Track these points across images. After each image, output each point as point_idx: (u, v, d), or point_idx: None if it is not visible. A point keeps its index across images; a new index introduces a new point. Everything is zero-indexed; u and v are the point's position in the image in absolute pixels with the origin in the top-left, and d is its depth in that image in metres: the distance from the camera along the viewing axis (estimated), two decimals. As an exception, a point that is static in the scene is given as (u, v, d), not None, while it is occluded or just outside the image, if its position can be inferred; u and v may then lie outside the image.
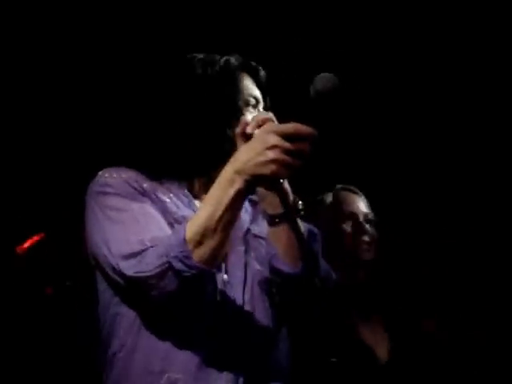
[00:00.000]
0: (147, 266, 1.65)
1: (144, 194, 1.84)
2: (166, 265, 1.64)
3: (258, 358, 1.82)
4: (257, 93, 1.97)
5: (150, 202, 1.83)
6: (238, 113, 1.90)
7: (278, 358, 1.87)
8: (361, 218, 2.66)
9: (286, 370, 1.90)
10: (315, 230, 1.89)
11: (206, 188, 1.86)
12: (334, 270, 1.96)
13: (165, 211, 1.82)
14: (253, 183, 1.66)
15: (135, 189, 1.84)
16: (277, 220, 1.80)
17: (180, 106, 1.94)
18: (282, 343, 1.90)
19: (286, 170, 1.62)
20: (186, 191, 1.92)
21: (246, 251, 1.89)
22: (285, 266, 1.80)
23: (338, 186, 2.74)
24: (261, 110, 1.95)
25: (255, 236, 1.91)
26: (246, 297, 1.84)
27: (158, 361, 1.73)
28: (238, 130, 1.77)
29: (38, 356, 3.56)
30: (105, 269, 1.75)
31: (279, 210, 1.79)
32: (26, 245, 3.73)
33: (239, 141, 1.76)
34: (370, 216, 2.69)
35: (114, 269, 1.71)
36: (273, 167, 1.62)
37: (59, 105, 3.71)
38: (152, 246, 1.68)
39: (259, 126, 1.73)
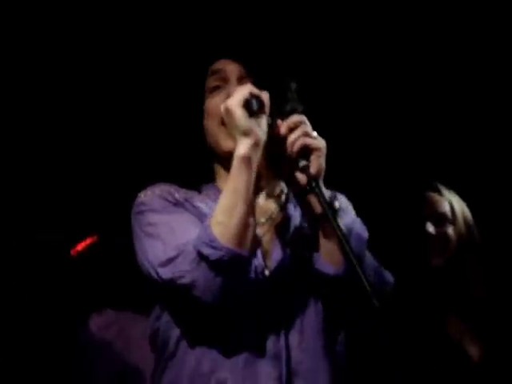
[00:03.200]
0: (183, 265, 1.69)
1: (177, 204, 1.88)
2: (198, 256, 1.67)
3: (301, 352, 1.80)
4: (221, 66, 1.95)
5: (184, 210, 1.87)
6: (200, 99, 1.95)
7: (331, 357, 1.84)
8: (429, 226, 2.68)
9: (343, 371, 1.87)
10: (362, 230, 1.84)
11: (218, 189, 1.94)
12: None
13: (200, 215, 1.85)
14: (251, 141, 1.72)
15: (169, 201, 1.88)
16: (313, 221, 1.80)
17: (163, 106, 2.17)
18: (337, 345, 1.88)
19: None
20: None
21: (294, 245, 1.86)
22: (325, 267, 1.78)
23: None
24: (232, 84, 1.93)
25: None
26: (295, 286, 1.83)
27: (207, 362, 1.76)
28: (271, 132, 1.78)
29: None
30: (151, 281, 1.79)
31: (317, 210, 1.78)
32: (80, 247, 3.68)
33: (273, 145, 1.79)
34: (448, 215, 2.69)
35: (155, 279, 1.76)
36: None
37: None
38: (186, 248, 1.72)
39: (291, 130, 1.76)
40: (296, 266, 1.85)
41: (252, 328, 1.78)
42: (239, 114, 1.73)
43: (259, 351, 1.76)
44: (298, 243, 1.88)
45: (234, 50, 1.99)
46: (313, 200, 1.78)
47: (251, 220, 1.73)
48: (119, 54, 3.47)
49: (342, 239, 1.63)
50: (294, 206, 1.95)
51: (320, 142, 1.77)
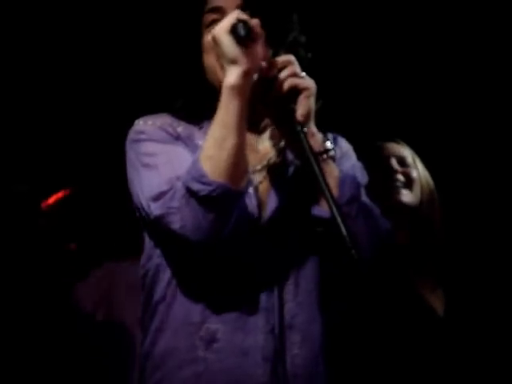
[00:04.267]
0: (173, 201, 1.64)
1: (178, 138, 1.84)
2: (187, 192, 1.62)
3: (297, 305, 1.77)
4: (217, 2, 1.89)
5: (183, 145, 1.83)
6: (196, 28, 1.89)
7: (326, 311, 1.83)
8: (394, 161, 2.66)
9: (325, 319, 1.84)
10: (352, 173, 1.81)
11: None
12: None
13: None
14: (240, 70, 1.65)
15: (170, 134, 1.84)
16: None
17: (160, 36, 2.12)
18: (333, 299, 1.86)
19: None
20: None
21: (292, 192, 1.82)
22: (319, 210, 1.73)
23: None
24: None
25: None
26: (291, 237, 1.79)
27: (197, 312, 1.73)
28: (257, 75, 1.71)
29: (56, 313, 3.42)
30: (142, 215, 1.75)
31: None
32: (51, 200, 3.62)
33: (260, 86, 1.72)
34: (409, 159, 2.68)
35: (146, 212, 1.71)
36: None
37: (81, 55, 3.64)
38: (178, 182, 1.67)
39: (280, 70, 1.70)
40: (293, 216, 1.81)
41: (245, 279, 1.74)
42: (225, 40, 1.66)
43: (252, 304, 1.74)
44: (296, 190, 1.83)
45: None
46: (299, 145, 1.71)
47: (243, 154, 1.68)
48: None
49: (323, 185, 1.57)
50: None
51: (309, 82, 1.72)
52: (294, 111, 1.68)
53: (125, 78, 3.63)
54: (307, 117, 1.69)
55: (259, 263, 1.75)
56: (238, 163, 1.66)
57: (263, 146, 1.91)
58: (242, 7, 1.81)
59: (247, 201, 1.76)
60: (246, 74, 1.67)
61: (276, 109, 1.74)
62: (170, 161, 1.76)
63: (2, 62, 3.53)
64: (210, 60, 1.86)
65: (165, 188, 1.69)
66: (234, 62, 1.66)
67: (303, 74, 1.73)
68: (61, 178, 3.73)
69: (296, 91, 1.69)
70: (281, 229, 1.79)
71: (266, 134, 1.93)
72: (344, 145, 1.99)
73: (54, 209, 3.57)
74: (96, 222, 3.43)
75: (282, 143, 1.90)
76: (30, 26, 3.50)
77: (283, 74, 1.70)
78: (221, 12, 1.87)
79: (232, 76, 1.66)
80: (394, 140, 2.77)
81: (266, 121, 1.91)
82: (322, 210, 1.72)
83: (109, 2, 3.45)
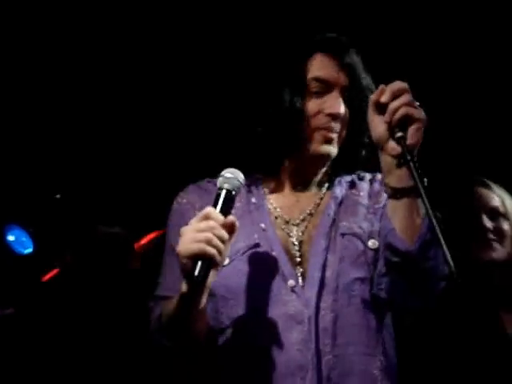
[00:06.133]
0: (151, 320, 1.88)
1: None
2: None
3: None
4: (328, 76, 1.89)
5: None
6: (298, 92, 1.88)
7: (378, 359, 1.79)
8: (485, 218, 2.62)
9: (393, 368, 1.82)
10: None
11: (276, 188, 1.96)
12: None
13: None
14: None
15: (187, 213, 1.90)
16: (399, 195, 1.72)
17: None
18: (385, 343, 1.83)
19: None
20: (261, 188, 1.97)
21: (328, 249, 1.84)
22: (401, 242, 1.71)
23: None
24: (334, 94, 1.89)
25: (344, 234, 1.85)
26: (324, 300, 1.78)
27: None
28: (373, 97, 1.72)
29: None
30: None
31: (404, 184, 1.70)
32: (144, 241, 3.72)
33: (371, 109, 1.73)
34: (501, 209, 2.63)
35: None
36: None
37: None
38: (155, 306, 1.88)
39: (395, 97, 1.68)
40: (333, 270, 1.83)
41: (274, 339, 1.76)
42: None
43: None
44: (341, 244, 1.85)
45: (333, 44, 1.93)
46: (399, 173, 1.72)
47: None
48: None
49: (431, 214, 1.56)
50: (329, 206, 1.93)
51: (422, 113, 1.69)
52: (404, 139, 1.67)
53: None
54: (415, 147, 1.68)
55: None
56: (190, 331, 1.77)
57: (302, 198, 1.96)
58: (346, 89, 1.89)
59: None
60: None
61: (381, 134, 1.73)
62: (165, 264, 1.93)
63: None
64: (304, 125, 1.91)
65: (151, 304, 1.91)
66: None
67: (417, 103, 1.71)
68: (153, 219, 3.81)
69: (408, 120, 1.68)
70: (317, 289, 1.80)
71: (310, 186, 1.98)
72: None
73: (146, 249, 3.66)
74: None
75: (323, 191, 1.97)
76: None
77: (398, 102, 1.68)
78: (327, 85, 1.90)
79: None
80: (482, 183, 2.70)
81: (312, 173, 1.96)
82: (401, 240, 1.72)
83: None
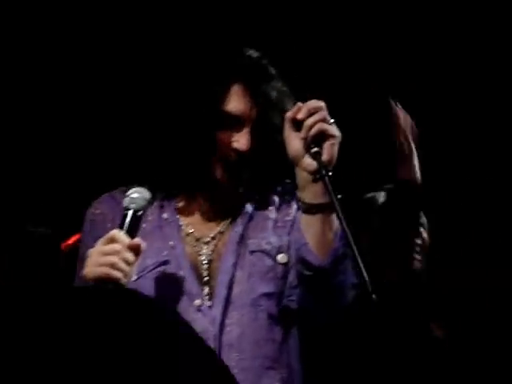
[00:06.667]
0: None
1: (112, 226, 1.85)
2: None
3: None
4: (240, 112, 1.91)
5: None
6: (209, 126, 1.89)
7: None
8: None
9: (297, 379, 1.90)
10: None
11: (188, 205, 1.96)
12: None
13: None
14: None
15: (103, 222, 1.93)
16: (314, 210, 1.78)
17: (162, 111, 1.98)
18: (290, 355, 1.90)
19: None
20: (174, 203, 2.00)
21: (237, 266, 1.88)
22: (314, 257, 1.79)
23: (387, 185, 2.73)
24: (245, 130, 1.91)
25: (253, 251, 1.91)
26: (231, 317, 1.83)
27: None
28: (289, 114, 1.79)
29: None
30: None
31: (319, 199, 1.76)
32: (71, 241, 3.67)
33: (287, 125, 1.79)
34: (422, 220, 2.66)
35: None
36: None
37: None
38: None
39: (310, 114, 1.74)
40: (240, 287, 1.88)
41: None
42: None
43: None
44: (249, 261, 1.91)
45: (250, 72, 1.96)
46: (314, 189, 1.79)
47: None
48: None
49: (347, 230, 1.64)
50: (239, 222, 1.98)
51: (336, 130, 1.78)
52: (319, 154, 1.74)
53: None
54: (331, 162, 1.75)
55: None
56: None
57: (212, 217, 2.00)
58: (259, 122, 1.92)
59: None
60: None
61: (297, 150, 1.80)
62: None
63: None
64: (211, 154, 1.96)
65: None
66: None
67: (332, 120, 1.78)
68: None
69: (322, 137, 1.75)
70: (222, 306, 1.86)
71: (219, 205, 2.01)
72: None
73: (73, 249, 3.62)
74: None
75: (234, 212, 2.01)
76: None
77: (313, 118, 1.75)
78: (238, 121, 1.94)
79: None
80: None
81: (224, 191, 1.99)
82: (314, 254, 1.79)
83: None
